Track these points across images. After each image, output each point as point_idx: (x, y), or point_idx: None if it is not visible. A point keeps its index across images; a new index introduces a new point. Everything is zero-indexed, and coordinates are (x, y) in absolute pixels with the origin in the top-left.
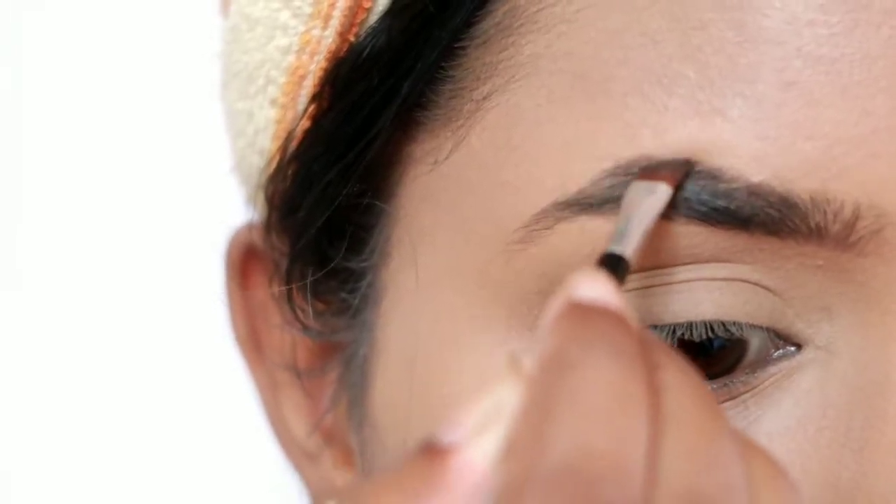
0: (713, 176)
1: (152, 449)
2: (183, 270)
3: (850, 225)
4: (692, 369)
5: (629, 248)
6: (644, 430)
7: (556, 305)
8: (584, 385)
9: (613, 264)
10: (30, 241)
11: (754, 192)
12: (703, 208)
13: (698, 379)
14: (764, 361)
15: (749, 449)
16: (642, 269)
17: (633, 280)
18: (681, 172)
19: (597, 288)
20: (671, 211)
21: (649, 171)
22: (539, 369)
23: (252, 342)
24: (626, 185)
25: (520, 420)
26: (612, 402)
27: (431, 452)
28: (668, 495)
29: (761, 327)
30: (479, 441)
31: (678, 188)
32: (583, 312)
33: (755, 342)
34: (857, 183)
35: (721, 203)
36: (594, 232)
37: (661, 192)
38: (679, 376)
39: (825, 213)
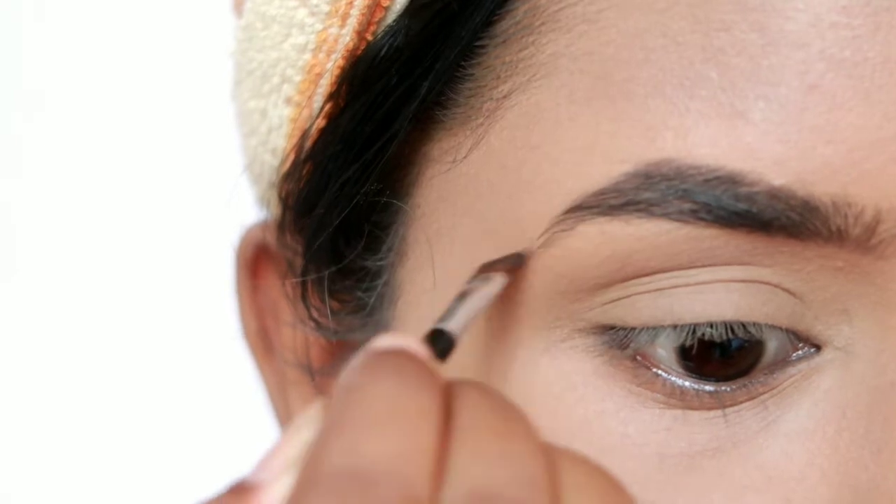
0: (734, 180)
1: (159, 447)
2: (193, 269)
3: (871, 228)
4: (496, 391)
5: (455, 325)
6: (430, 435)
7: (357, 357)
8: (364, 399)
9: (437, 338)
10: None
11: (775, 195)
12: (724, 212)
13: (502, 397)
14: (783, 362)
15: (557, 451)
16: (663, 271)
17: (654, 280)
18: (516, 265)
19: (399, 341)
20: (692, 214)
21: (487, 267)
22: (332, 399)
23: (262, 341)
24: (647, 187)
25: (311, 446)
26: (393, 410)
27: (238, 489)
28: (458, 493)
29: (781, 328)
30: (283, 480)
31: (514, 275)
32: (378, 354)
33: (774, 343)
34: (878, 187)
35: (742, 206)
36: (613, 234)
37: (496, 280)
38: (477, 394)
39: (846, 216)
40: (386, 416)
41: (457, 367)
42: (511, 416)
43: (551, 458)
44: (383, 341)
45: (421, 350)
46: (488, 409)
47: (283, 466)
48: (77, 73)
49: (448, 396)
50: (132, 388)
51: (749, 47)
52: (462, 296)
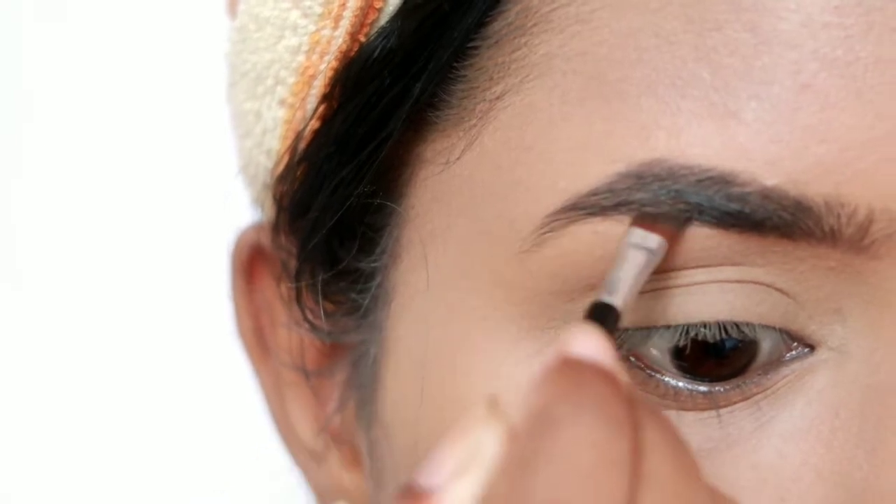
0: (726, 180)
1: (156, 449)
2: (188, 271)
3: (864, 228)
4: (673, 428)
5: (621, 300)
6: (623, 492)
7: (549, 359)
8: (567, 443)
9: (604, 314)
10: (33, 242)
11: (768, 195)
12: (716, 212)
13: (678, 438)
14: (777, 363)
15: (721, 497)
16: (656, 271)
17: (647, 281)
18: (678, 229)
19: (590, 345)
20: (685, 213)
21: (648, 220)
22: (525, 422)
23: (258, 342)
24: (639, 188)
25: (499, 471)
26: (594, 462)
27: (410, 496)
28: None
29: (774, 328)
30: (457, 486)
31: (675, 241)
32: (574, 370)
33: (768, 343)
34: (871, 186)
35: (734, 207)
36: (606, 234)
37: (658, 249)
38: (661, 437)
39: (839, 216)
40: (587, 467)
41: (450, 368)
42: (690, 467)
43: None
44: (575, 345)
45: (610, 357)
46: (672, 454)
47: (454, 470)
48: (72, 75)
49: (636, 425)
50: (128, 389)
51: (741, 47)
52: (623, 259)
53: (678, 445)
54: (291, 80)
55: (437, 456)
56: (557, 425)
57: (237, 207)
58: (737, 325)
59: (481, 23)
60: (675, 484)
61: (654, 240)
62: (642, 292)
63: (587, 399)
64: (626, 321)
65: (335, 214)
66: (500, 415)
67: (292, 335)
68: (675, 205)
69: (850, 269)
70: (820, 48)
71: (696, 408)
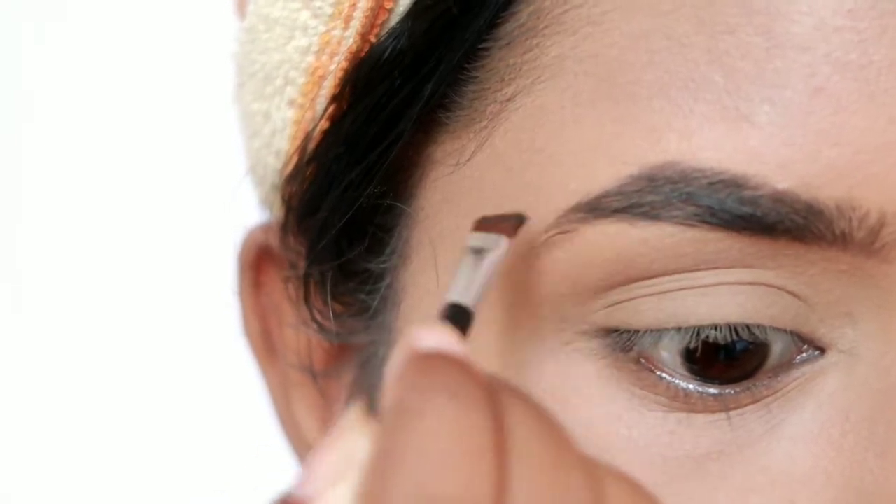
0: (738, 183)
1: (162, 449)
2: (195, 271)
3: (875, 232)
4: (540, 406)
5: (471, 299)
6: (490, 471)
7: (396, 356)
8: (425, 432)
9: (456, 314)
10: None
11: (779, 198)
12: (728, 215)
13: (546, 415)
14: (787, 365)
15: (603, 473)
16: (667, 273)
17: (658, 283)
18: (517, 224)
19: (437, 338)
20: (696, 218)
21: (486, 224)
22: (384, 419)
23: (264, 343)
24: (651, 190)
25: (369, 471)
26: (455, 445)
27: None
28: None
29: (785, 331)
30: (332, 493)
31: (515, 237)
32: (424, 361)
33: (778, 346)
34: (883, 190)
35: (746, 210)
36: (617, 236)
37: (500, 244)
38: (526, 415)
39: (850, 219)
40: (449, 452)
41: None
42: (559, 440)
43: (598, 481)
44: (422, 339)
45: (459, 348)
46: (538, 429)
47: (329, 478)
48: (79, 76)
49: (497, 407)
50: (135, 390)
51: (754, 50)
52: (469, 261)
53: (546, 421)
54: (301, 80)
55: (312, 464)
56: (414, 416)
57: (245, 208)
58: (748, 327)
59: (493, 24)
60: (546, 458)
61: (499, 240)
62: (650, 294)
63: (440, 387)
64: (636, 323)
65: (344, 215)
66: (372, 418)
67: (300, 336)
68: (687, 207)
69: (862, 273)
70: (833, 52)
71: (706, 410)
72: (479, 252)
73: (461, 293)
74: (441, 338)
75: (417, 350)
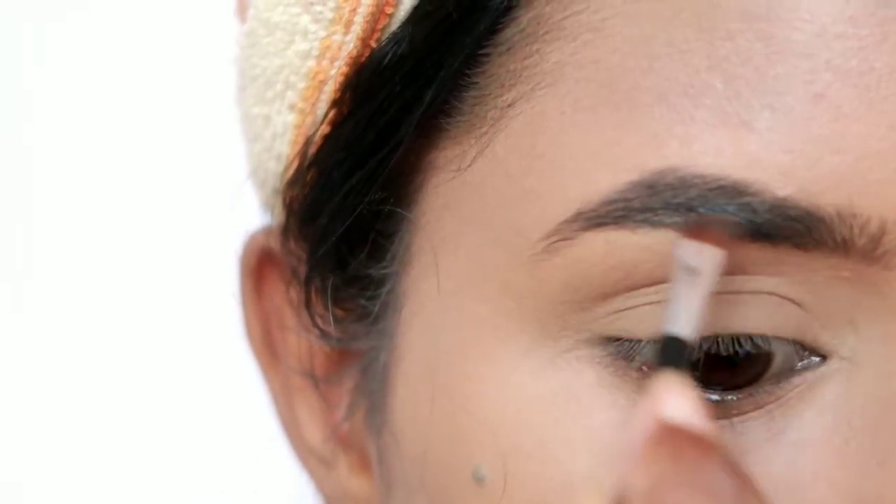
0: (739, 189)
1: (165, 453)
2: (198, 274)
3: (876, 239)
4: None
5: (691, 330)
6: None
7: (644, 424)
8: None
9: (678, 349)
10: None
11: (780, 205)
12: (728, 223)
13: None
14: (789, 372)
15: None
16: (669, 281)
17: (659, 291)
18: (725, 232)
19: (681, 407)
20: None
21: (696, 230)
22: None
23: (267, 347)
24: (650, 197)
25: None
26: None
27: None
28: None
29: (787, 339)
30: None
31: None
32: (674, 442)
33: (781, 353)
34: (884, 197)
35: (746, 217)
36: (618, 243)
37: (716, 260)
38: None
39: (851, 227)
40: None
41: (461, 376)
42: None
43: None
44: (672, 409)
45: (706, 425)
46: None
47: None
48: (78, 77)
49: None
50: (138, 392)
51: (755, 56)
52: (684, 283)
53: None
54: (301, 84)
55: None
56: None
57: (247, 211)
58: (750, 337)
59: (493, 30)
60: None
61: (706, 252)
62: (652, 303)
63: (696, 481)
64: (638, 332)
65: (345, 220)
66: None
67: (301, 341)
68: (688, 214)
69: (863, 280)
70: (834, 58)
71: (708, 417)
72: (691, 271)
73: (681, 323)
74: (685, 407)
75: (664, 422)
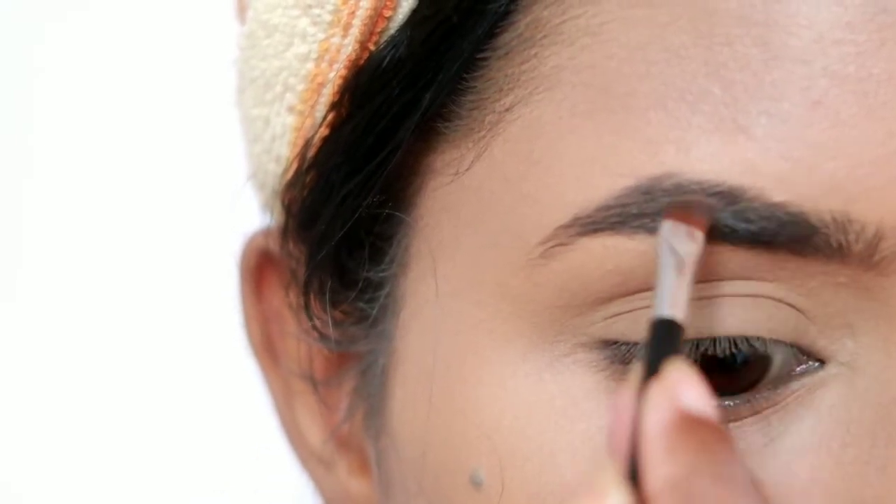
0: (735, 195)
1: (166, 454)
2: (198, 275)
3: (873, 245)
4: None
5: (681, 311)
6: None
7: (662, 412)
8: None
9: (670, 331)
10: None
11: (776, 211)
12: (726, 228)
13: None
14: (787, 377)
15: None
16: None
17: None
18: (708, 217)
19: (700, 395)
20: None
21: (676, 211)
22: (668, 496)
23: (267, 349)
24: (646, 203)
25: None
26: None
27: None
28: None
29: (785, 343)
30: None
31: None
32: (695, 431)
33: (778, 358)
34: (881, 203)
35: (743, 222)
36: (615, 248)
37: (698, 242)
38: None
39: (848, 233)
40: None
41: (458, 379)
42: None
43: None
44: (683, 395)
45: (713, 409)
46: None
47: None
48: (80, 81)
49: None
50: (140, 394)
51: (752, 62)
52: (670, 265)
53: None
54: (300, 87)
55: None
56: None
57: (247, 212)
58: (747, 339)
59: (491, 34)
60: None
61: (692, 236)
62: (649, 307)
63: (720, 471)
64: (635, 336)
65: (344, 224)
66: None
67: (300, 343)
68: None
69: (860, 286)
70: (831, 64)
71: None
72: (676, 253)
73: (670, 305)
74: (699, 394)
75: (681, 409)
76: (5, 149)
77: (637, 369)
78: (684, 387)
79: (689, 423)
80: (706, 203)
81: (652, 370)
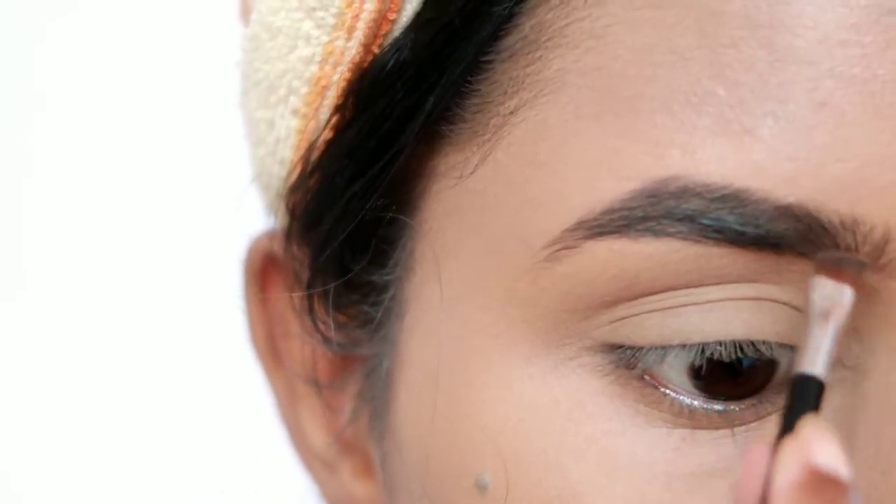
0: (741, 197)
1: (167, 454)
2: (203, 277)
3: (881, 247)
4: None
5: (822, 369)
6: None
7: (794, 469)
8: None
9: (811, 389)
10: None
11: (783, 213)
12: (731, 231)
13: None
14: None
15: None
16: (671, 289)
17: (662, 299)
18: (858, 272)
19: (832, 456)
20: (699, 233)
21: (827, 266)
22: None
23: (271, 352)
24: (652, 206)
25: None
26: None
27: None
28: None
29: (791, 346)
30: None
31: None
32: (822, 490)
33: (785, 361)
34: (888, 205)
35: (749, 225)
36: (621, 252)
37: (847, 299)
38: None
39: (855, 235)
40: None
41: (463, 383)
42: None
43: None
44: (822, 456)
45: (846, 472)
46: None
47: None
48: (84, 83)
49: None
50: (142, 395)
51: (757, 64)
52: (817, 323)
53: None
54: (304, 90)
55: None
56: None
57: (252, 214)
58: (753, 343)
59: (495, 36)
60: None
61: (841, 292)
62: (655, 310)
63: None
64: (640, 340)
65: (348, 227)
66: None
67: (304, 346)
68: (690, 223)
69: (867, 289)
70: (837, 66)
71: (710, 427)
72: (822, 309)
73: (812, 362)
74: (835, 457)
75: (815, 468)
76: (6, 149)
77: (774, 424)
78: (819, 446)
79: (820, 482)
80: (856, 259)
81: (788, 427)
